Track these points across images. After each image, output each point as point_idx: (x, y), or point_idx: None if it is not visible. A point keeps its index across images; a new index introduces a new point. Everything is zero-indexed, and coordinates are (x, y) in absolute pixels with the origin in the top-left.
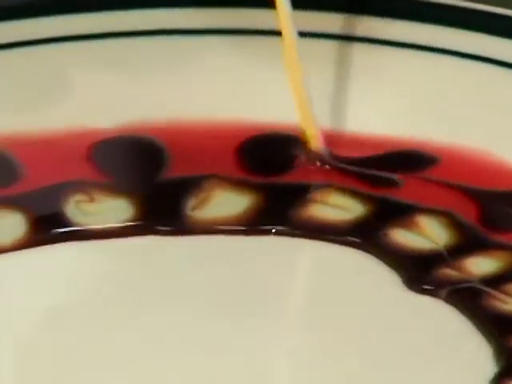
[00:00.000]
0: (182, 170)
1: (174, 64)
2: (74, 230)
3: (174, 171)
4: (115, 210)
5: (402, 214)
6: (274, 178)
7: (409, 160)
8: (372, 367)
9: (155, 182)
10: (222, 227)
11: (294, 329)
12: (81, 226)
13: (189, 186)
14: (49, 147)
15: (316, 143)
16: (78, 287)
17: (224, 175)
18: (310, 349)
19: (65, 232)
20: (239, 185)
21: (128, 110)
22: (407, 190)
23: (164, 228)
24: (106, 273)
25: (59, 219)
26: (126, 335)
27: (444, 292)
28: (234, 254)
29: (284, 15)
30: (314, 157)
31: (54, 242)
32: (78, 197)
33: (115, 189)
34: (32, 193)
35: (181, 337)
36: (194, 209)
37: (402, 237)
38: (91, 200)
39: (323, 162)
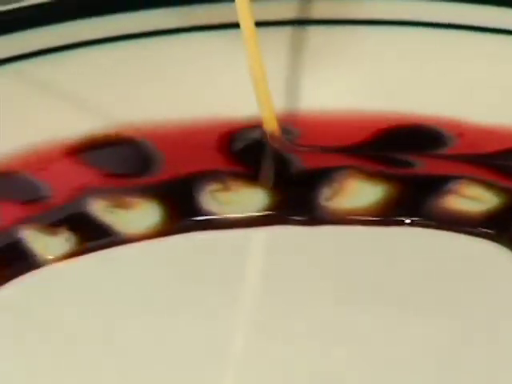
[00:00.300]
0: (316, 160)
1: None
2: (208, 219)
3: (307, 161)
4: (250, 199)
5: None
6: (409, 170)
7: None
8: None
9: (290, 172)
10: (355, 217)
11: (425, 317)
12: (216, 214)
13: (323, 176)
14: (186, 137)
15: (274, 129)
16: (212, 274)
17: (358, 166)
18: (442, 337)
19: (200, 221)
20: (373, 176)
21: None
22: None
23: (298, 218)
24: (241, 261)
25: (194, 208)
26: (273, 317)
27: None
28: (367, 244)
29: (243, 6)
30: (274, 141)
31: (189, 231)
32: (214, 186)
33: (250, 178)
34: (168, 182)
35: (322, 323)
36: (328, 199)
37: None
38: (227, 189)
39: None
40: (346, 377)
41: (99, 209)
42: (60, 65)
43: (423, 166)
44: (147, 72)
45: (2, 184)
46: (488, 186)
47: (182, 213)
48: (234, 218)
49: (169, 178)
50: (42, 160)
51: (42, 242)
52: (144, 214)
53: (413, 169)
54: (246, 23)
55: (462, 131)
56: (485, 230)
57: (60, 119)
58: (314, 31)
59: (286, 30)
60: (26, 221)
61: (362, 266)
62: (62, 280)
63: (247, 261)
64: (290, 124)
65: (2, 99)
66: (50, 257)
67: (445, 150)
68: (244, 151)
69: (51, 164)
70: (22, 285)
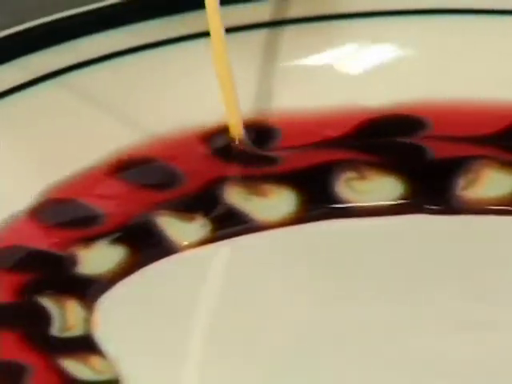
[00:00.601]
0: (449, 150)
1: None
2: (344, 207)
3: (440, 152)
4: (385, 188)
5: None
6: None
7: None
8: None
9: (425, 161)
10: (491, 207)
11: None
12: (351, 203)
13: (458, 166)
14: (319, 126)
15: (239, 133)
16: (347, 262)
17: (493, 156)
18: None
19: (335, 209)
20: (508, 165)
21: (401, 89)
22: None
23: (433, 207)
24: (377, 249)
25: (330, 196)
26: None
27: None
28: (503, 234)
29: (211, 11)
30: (236, 146)
31: (324, 219)
32: (350, 174)
33: (385, 167)
34: (304, 170)
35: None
36: (463, 189)
37: None
38: (362, 178)
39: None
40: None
41: (235, 196)
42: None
43: None
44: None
45: (139, 170)
46: None
47: (317, 201)
48: (369, 206)
49: (304, 166)
50: (177, 147)
51: (177, 228)
52: (280, 201)
53: None
54: (215, 28)
55: None
56: None
57: (189, 108)
58: (287, 31)
59: (261, 33)
60: (162, 207)
61: (497, 256)
62: (196, 266)
63: (383, 249)
64: (271, 125)
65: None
66: (185, 243)
67: None
68: (376, 141)
69: (185, 152)
70: (157, 270)
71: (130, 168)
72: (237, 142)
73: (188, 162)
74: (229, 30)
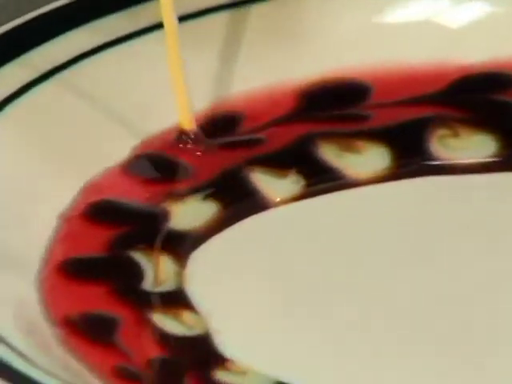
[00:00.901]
0: None
1: None
2: (437, 164)
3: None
4: (478, 145)
5: None
6: None
7: None
8: None
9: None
10: None
11: None
12: (444, 160)
13: None
14: (412, 82)
15: (190, 125)
16: (436, 219)
17: None
18: None
19: (428, 165)
20: None
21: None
22: None
23: None
24: (466, 207)
25: (423, 153)
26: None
27: None
28: None
29: (165, 2)
30: (187, 137)
31: (418, 176)
32: (443, 131)
33: (479, 124)
34: (398, 126)
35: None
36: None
37: None
38: (455, 135)
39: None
40: None
41: (328, 152)
42: None
43: None
44: None
45: (227, 123)
46: None
47: (410, 157)
48: (463, 163)
49: (397, 122)
50: (271, 103)
51: (269, 184)
52: (373, 157)
53: None
54: (168, 18)
55: None
56: None
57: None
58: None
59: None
60: (254, 162)
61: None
62: (288, 222)
63: (472, 207)
64: (362, 81)
65: None
66: (278, 199)
67: None
68: (469, 97)
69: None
70: (249, 226)
71: (216, 125)
72: (191, 135)
73: (276, 120)
74: None
